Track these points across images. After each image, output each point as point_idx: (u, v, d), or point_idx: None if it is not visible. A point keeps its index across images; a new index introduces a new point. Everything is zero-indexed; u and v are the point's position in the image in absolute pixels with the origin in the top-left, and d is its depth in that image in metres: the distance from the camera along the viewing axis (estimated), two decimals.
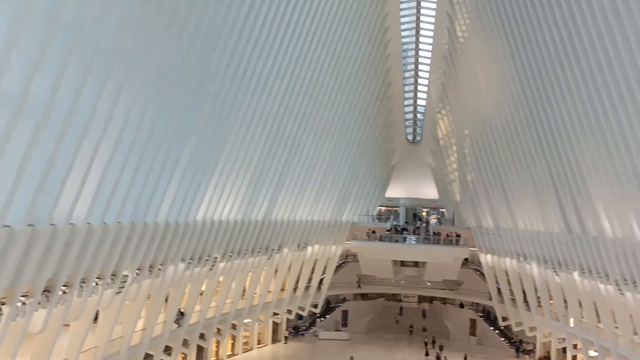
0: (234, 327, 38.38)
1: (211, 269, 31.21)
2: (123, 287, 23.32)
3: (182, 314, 30.96)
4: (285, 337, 45.08)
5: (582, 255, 30.71)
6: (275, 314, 42.87)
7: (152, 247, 24.53)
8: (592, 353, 34.70)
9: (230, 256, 33.01)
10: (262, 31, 28.16)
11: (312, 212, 41.42)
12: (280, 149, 34.21)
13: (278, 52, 30.39)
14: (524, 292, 40.91)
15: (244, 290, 37.91)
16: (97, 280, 21.20)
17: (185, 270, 28.59)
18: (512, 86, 34.04)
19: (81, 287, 20.32)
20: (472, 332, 48.23)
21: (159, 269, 25.77)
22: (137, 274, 24.24)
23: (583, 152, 27.36)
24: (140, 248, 23.56)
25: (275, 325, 45.37)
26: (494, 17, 34.15)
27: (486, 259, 44.70)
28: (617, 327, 30.72)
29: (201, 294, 32.86)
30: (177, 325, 30.48)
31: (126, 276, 23.42)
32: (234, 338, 40.78)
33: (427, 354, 41.14)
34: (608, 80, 23.15)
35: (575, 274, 32.16)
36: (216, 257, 31.31)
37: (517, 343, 44.85)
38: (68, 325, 22.22)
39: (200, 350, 35.93)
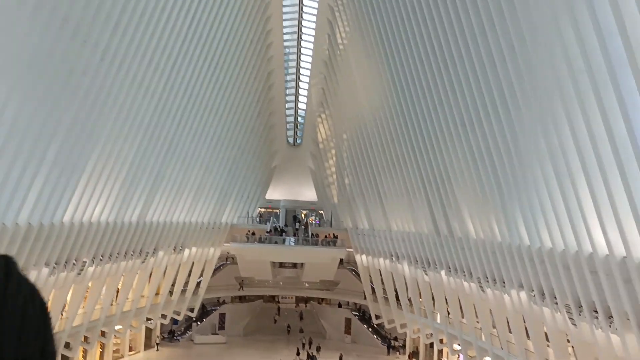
0: (103, 334, 36.40)
1: (79, 274, 29.38)
2: None
3: None
4: (157, 344, 43.40)
5: (448, 255, 32.72)
6: (148, 319, 41.26)
7: (10, 251, 22.58)
8: (456, 347, 37.14)
9: (101, 260, 31.30)
10: (140, 26, 27.03)
11: (190, 214, 40.42)
12: (157, 148, 33.04)
13: (156, 49, 29.33)
14: (396, 291, 42.81)
15: (116, 295, 36.12)
16: None
17: (50, 276, 26.66)
18: (387, 94, 35.53)
19: None
20: (347, 331, 49.64)
21: None
22: None
23: (451, 159, 29.17)
24: None
25: (149, 331, 43.69)
26: (372, 27, 35.44)
27: (361, 259, 46.24)
28: (478, 322, 33.08)
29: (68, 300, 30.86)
30: None
31: None
32: (102, 346, 38.69)
33: (298, 354, 41.68)
34: (474, 93, 24.89)
35: (442, 273, 34.20)
36: (85, 261, 29.52)
37: (388, 340, 46.85)
38: None
39: None
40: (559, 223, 20.38)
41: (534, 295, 24.29)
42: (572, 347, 23.75)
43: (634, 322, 16.89)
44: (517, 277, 25.70)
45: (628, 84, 14.11)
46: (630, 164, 14.88)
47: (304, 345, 43.98)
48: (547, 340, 26.29)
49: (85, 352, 36.49)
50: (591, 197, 17.49)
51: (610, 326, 18.66)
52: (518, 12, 19.59)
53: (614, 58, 14.41)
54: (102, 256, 31.22)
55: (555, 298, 22.60)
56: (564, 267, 21.09)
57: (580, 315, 20.77)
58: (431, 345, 42.18)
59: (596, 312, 19.44)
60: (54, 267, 26.73)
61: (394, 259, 40.72)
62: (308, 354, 40.64)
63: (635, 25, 13.17)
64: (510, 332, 29.35)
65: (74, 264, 28.39)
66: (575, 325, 21.55)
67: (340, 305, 50.80)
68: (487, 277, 28.80)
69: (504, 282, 27.16)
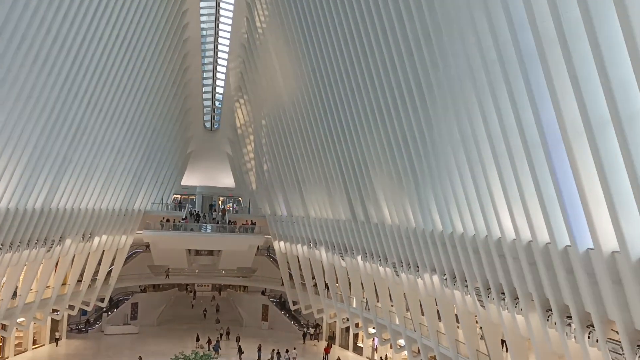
0: (3, 327, 34.22)
1: None
2: None
3: None
4: (57, 339, 40.74)
5: (365, 240, 33.25)
6: (54, 310, 39.19)
7: None
8: (371, 330, 37.95)
9: (1, 249, 29.29)
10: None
11: (100, 201, 38.60)
12: (64, 130, 31.20)
13: (62, 25, 27.55)
14: (313, 277, 43.10)
15: (18, 286, 33.98)
16: None
17: None
18: (306, 80, 35.41)
19: None
20: (264, 318, 49.53)
21: None
22: None
23: (368, 146, 29.51)
24: None
25: (55, 323, 41.54)
26: (290, 12, 35.09)
27: (279, 245, 46.16)
28: (392, 306, 33.90)
29: None
30: None
31: None
32: (3, 340, 36.39)
33: (197, 339, 41.12)
34: (391, 81, 25.22)
35: (359, 258, 34.74)
36: None
37: (305, 326, 47.20)
38: None
39: None
40: (470, 209, 21.11)
41: (446, 279, 25.13)
42: (481, 327, 24.81)
43: (538, 303, 17.80)
44: (430, 261, 26.50)
45: (537, 76, 14.70)
46: (537, 152, 15.56)
47: (221, 335, 43.33)
48: (457, 321, 27.35)
49: None
50: (500, 184, 18.19)
51: (516, 307, 19.59)
52: (434, 1, 19.96)
53: (525, 50, 14.96)
54: (1, 245, 29.21)
55: (466, 281, 23.48)
56: (474, 252, 21.91)
57: (488, 297, 21.69)
58: (347, 329, 42.91)
59: (503, 294, 20.35)
60: None
61: (311, 245, 40.93)
62: (239, 348, 39.79)
63: (545, 20, 13.69)
64: (422, 314, 30.30)
65: None
66: (483, 307, 22.49)
67: (263, 293, 50.35)
68: (401, 262, 29.52)
69: (417, 267, 27.94)
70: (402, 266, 29.48)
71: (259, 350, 38.20)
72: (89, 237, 38.75)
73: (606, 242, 13.62)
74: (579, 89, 12.73)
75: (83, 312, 44.85)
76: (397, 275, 30.47)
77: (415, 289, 29.30)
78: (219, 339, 42.01)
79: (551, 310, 17.26)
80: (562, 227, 15.46)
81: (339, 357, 38.06)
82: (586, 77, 12.62)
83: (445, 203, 23.31)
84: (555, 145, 14.62)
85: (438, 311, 28.73)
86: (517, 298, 19.43)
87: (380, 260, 32.01)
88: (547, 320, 17.54)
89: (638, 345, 13.38)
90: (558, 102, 13.68)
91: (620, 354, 13.93)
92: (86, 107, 32.45)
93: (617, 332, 14.14)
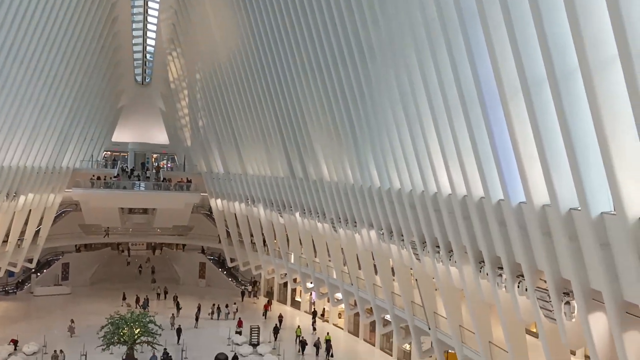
0: None
1: None
2: None
3: None
4: None
5: (303, 197, 33.36)
6: None
7: None
8: (309, 285, 38.60)
9: None
10: None
11: (25, 158, 36.63)
12: None
13: None
14: (251, 234, 43.08)
15: None
16: None
17: None
18: (243, 33, 34.44)
19: None
20: (202, 275, 49.36)
21: None
22: None
23: (307, 102, 29.27)
24: None
25: None
26: None
27: (216, 203, 45.70)
28: (330, 261, 34.48)
29: None
30: None
31: None
32: None
33: (124, 298, 40.78)
34: (330, 36, 24.91)
35: (297, 215, 34.91)
36: None
37: (242, 283, 47.40)
38: None
39: None
40: (408, 165, 21.47)
41: (383, 234, 25.67)
42: (416, 280, 25.66)
43: (471, 255, 18.51)
44: (368, 217, 26.96)
45: (476, 34, 14.85)
46: (474, 109, 15.87)
47: (158, 295, 42.91)
48: (393, 274, 28.17)
49: None
50: (438, 140, 18.52)
51: (450, 260, 20.31)
52: None
53: (465, 8, 15.04)
54: None
55: (402, 236, 24.09)
56: (410, 207, 22.41)
57: (424, 250, 22.37)
58: (285, 285, 43.45)
59: (438, 247, 21.02)
60: None
61: (249, 203, 40.74)
62: (177, 306, 39.47)
63: None
64: (359, 269, 31.02)
65: None
66: (419, 260, 23.21)
67: (204, 251, 49.90)
68: (339, 218, 29.89)
69: (355, 222, 28.38)
70: (340, 222, 29.86)
71: (198, 309, 38.01)
72: (14, 196, 36.91)
73: (537, 196, 14.18)
74: (517, 47, 12.96)
75: (10, 274, 43.17)
76: (335, 231, 30.89)
77: (352, 244, 29.84)
78: (157, 298, 41.58)
79: (484, 262, 17.99)
80: (496, 182, 15.97)
81: (280, 313, 38.52)
82: (524, 36, 12.84)
83: (383, 159, 23.60)
84: (492, 102, 14.93)
85: (375, 265, 29.47)
86: (452, 251, 20.12)
87: (318, 216, 32.28)
88: (480, 271, 18.29)
89: (564, 293, 14.18)
90: (496, 59, 13.90)
91: (547, 302, 14.74)
92: (5, 59, 30.32)
93: (545, 282, 14.92)
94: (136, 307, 37.95)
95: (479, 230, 17.56)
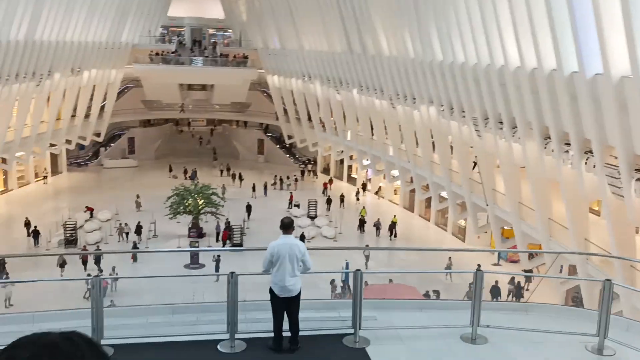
0: (4, 161, 34.68)
1: None
2: None
3: None
4: (45, 177, 40.68)
5: (361, 73, 32.61)
6: (52, 145, 39.46)
7: None
8: (365, 162, 38.86)
9: None
10: None
11: (85, 32, 36.89)
12: None
13: None
14: (308, 111, 43.05)
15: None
16: None
17: None
18: None
19: None
20: (260, 152, 50.41)
21: None
22: None
23: None
24: None
25: (54, 157, 42.14)
26: None
27: (273, 80, 45.43)
28: (387, 138, 34.32)
29: None
30: None
31: None
32: (5, 173, 37.10)
33: (185, 172, 42.27)
34: None
35: (355, 91, 34.38)
36: None
37: (300, 160, 48.20)
38: None
39: None
40: (474, 36, 20.33)
41: (443, 110, 25.07)
42: (475, 157, 25.31)
43: (537, 131, 17.89)
44: (428, 92, 26.22)
45: None
46: None
47: (222, 172, 44.09)
48: (452, 152, 27.86)
49: None
50: (508, 8, 17.28)
51: (513, 136, 19.75)
52: None
53: None
54: None
55: (464, 112, 23.43)
56: (474, 81, 21.54)
57: (485, 127, 21.78)
58: (341, 161, 43.93)
59: (501, 123, 20.40)
60: None
61: (306, 79, 40.27)
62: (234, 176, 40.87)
63: None
64: (417, 146, 30.78)
65: None
66: (480, 136, 22.69)
67: (266, 129, 50.49)
68: (398, 94, 29.24)
69: (414, 99, 27.73)
70: (399, 98, 29.25)
71: (265, 187, 39.12)
72: (78, 71, 37.74)
73: (616, 67, 13.25)
74: None
75: (81, 147, 45.30)
76: (393, 108, 30.39)
77: (411, 121, 29.40)
78: (220, 175, 42.95)
79: (550, 138, 17.39)
80: (570, 53, 14.97)
81: (342, 193, 38.31)
82: None
83: (447, 30, 22.41)
84: None
85: (433, 142, 29.14)
86: (515, 127, 19.50)
87: (376, 92, 31.69)
88: (545, 147, 17.75)
89: (635, 170, 13.64)
90: None
91: (616, 178, 14.24)
92: None
93: (616, 158, 14.34)
94: (185, 179, 39.29)
95: (548, 104, 16.80)
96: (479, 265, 16.99)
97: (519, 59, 17.81)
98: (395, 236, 31.52)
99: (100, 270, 23.16)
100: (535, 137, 18.14)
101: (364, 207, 35.36)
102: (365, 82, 32.49)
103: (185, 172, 41.89)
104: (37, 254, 29.69)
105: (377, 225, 31.83)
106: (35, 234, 28.24)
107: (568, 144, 16.48)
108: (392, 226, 31.64)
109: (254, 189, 38.75)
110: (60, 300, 17.90)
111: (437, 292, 21.70)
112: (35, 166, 40.43)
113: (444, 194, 29.69)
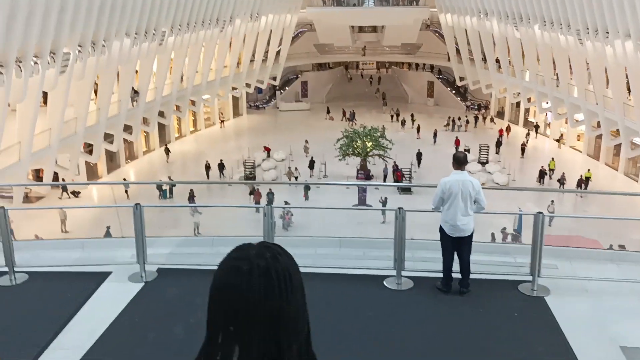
0: (192, 103, 37.86)
1: (160, 44, 29.42)
2: (67, 66, 21.79)
3: (136, 92, 29.95)
4: (222, 121, 42.92)
5: (544, 6, 29.76)
6: (233, 88, 42.18)
7: (90, 21, 22.44)
8: (545, 105, 35.93)
9: (179, 29, 30.97)
10: None
11: None
12: None
13: None
14: (482, 51, 40.67)
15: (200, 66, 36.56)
16: (35, 58, 19.58)
17: (133, 47, 26.82)
18: None
19: (19, 66, 18.78)
20: (430, 94, 49.11)
21: (103, 45, 24.00)
22: (79, 52, 22.52)
23: None
24: (77, 21, 21.50)
25: (235, 100, 45.09)
26: None
27: (445, 18, 43.42)
28: (572, 78, 31.27)
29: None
30: (133, 104, 29.72)
31: (68, 54, 21.73)
32: (194, 114, 40.59)
33: (343, 114, 42.75)
34: None
35: (536, 27, 31.59)
36: (164, 31, 29.30)
37: (472, 103, 46.06)
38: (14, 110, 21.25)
39: (161, 127, 35.86)
40: None
41: None
42: None
43: None
44: (625, 25, 23.14)
45: None
46: None
47: (392, 117, 43.61)
48: None
49: (179, 120, 38.57)
50: None
51: None
52: None
53: None
54: (179, 25, 30.81)
55: None
56: None
57: None
58: (517, 104, 41.19)
59: None
60: (135, 38, 26.68)
61: (481, 16, 37.83)
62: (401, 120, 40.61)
63: None
64: (608, 87, 27.64)
65: (153, 34, 28.23)
66: None
67: (432, 68, 49.12)
68: (587, 28, 26.24)
69: (607, 33, 24.70)
70: (588, 33, 26.25)
71: (435, 134, 37.81)
72: (257, 17, 39.42)
73: None
74: None
75: (259, 91, 47.81)
76: (581, 44, 27.41)
77: (602, 59, 26.36)
78: (391, 120, 42.62)
79: None
80: None
81: (523, 142, 35.48)
82: None
83: None
84: None
85: (627, 82, 25.93)
86: None
87: (561, 27, 28.76)
88: None
89: None
90: None
91: None
92: None
93: None
94: (342, 120, 39.74)
95: None
96: None
97: None
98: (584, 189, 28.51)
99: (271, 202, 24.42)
100: None
101: (552, 158, 32.44)
102: (549, 16, 29.60)
103: (344, 114, 42.42)
104: (217, 182, 32.05)
105: (561, 181, 29.01)
106: (221, 168, 30.96)
107: None
108: (584, 182, 28.50)
109: (418, 130, 38.46)
110: (239, 228, 19.21)
111: (622, 247, 19.67)
112: (220, 109, 43.63)
113: (637, 140, 26.52)
